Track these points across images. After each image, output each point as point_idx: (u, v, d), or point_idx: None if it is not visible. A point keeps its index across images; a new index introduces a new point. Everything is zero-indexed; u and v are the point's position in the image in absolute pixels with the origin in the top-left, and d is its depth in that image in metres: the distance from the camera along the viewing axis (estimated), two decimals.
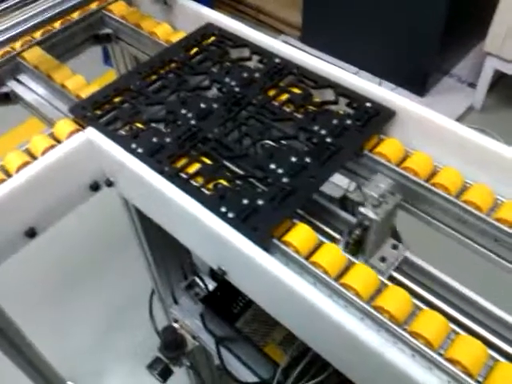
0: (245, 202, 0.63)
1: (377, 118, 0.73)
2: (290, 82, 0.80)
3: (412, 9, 2.24)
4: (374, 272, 0.60)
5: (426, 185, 0.67)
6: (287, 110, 0.76)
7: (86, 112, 0.76)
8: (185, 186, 0.65)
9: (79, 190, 0.76)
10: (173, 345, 1.06)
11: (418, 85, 2.37)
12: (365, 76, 2.40)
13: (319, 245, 0.62)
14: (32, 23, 0.86)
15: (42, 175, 0.70)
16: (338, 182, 0.74)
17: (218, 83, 0.81)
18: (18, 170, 0.72)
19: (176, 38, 0.90)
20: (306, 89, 0.78)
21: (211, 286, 1.10)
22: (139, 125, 0.75)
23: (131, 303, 1.85)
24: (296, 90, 0.79)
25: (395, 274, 0.64)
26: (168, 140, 0.71)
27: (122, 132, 0.75)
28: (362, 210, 0.61)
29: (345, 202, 0.73)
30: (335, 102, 0.76)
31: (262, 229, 0.60)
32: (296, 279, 0.55)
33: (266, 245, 0.59)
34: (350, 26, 2.50)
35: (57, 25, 0.97)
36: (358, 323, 0.52)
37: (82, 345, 1.78)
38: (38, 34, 0.95)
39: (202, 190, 0.65)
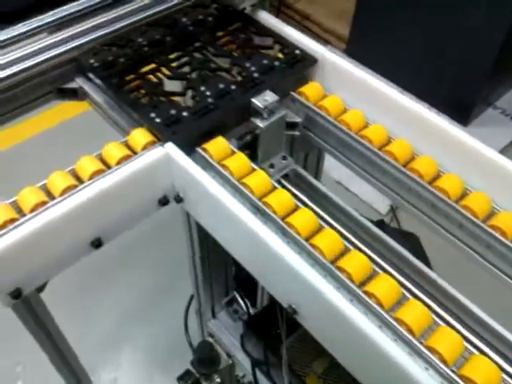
0: (172, 112, 0.76)
1: (301, 63, 0.86)
2: (237, 27, 0.93)
3: (464, 39, 2.20)
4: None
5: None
6: (228, 49, 0.89)
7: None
8: (126, 96, 0.79)
9: (149, 203, 0.74)
10: (207, 360, 1.05)
11: (462, 114, 2.33)
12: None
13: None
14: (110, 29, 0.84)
15: (116, 187, 0.69)
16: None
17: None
18: (91, 177, 0.70)
19: None
20: (248, 35, 0.92)
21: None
22: None
23: (151, 301, 1.84)
24: (241, 35, 0.92)
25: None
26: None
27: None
28: (252, 119, 0.77)
29: None
30: (270, 48, 0.90)
31: (181, 134, 0.73)
32: (378, 333, 0.54)
33: (186, 148, 0.71)
34: (397, 46, 2.47)
35: None
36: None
37: (101, 338, 1.78)
38: None
39: (140, 100, 0.78)
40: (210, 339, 1.09)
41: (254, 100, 0.77)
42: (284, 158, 0.82)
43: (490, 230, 0.65)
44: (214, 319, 1.10)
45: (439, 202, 0.70)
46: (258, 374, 1.00)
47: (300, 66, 0.86)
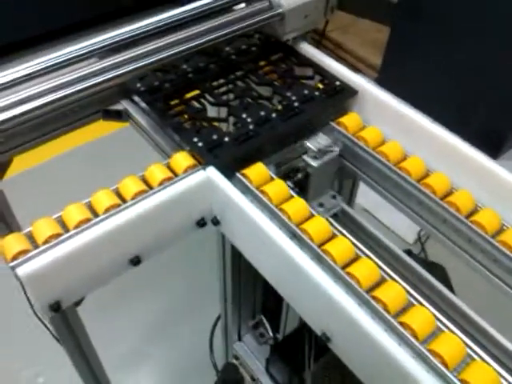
0: (214, 137, 0.78)
1: (341, 94, 0.88)
2: (278, 57, 0.96)
3: (499, 71, 2.20)
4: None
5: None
6: (269, 78, 0.92)
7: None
8: (170, 120, 0.82)
9: (187, 224, 0.76)
10: (232, 382, 1.05)
11: (493, 147, 2.31)
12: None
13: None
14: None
15: (157, 207, 0.71)
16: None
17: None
18: (134, 197, 0.73)
19: None
20: (289, 65, 0.95)
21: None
22: None
23: (176, 319, 1.85)
24: (282, 65, 0.95)
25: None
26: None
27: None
28: (304, 157, 0.80)
29: None
30: (311, 78, 0.92)
31: (222, 158, 0.76)
32: (411, 362, 0.54)
33: (226, 172, 0.74)
34: (429, 77, 2.48)
35: None
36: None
37: (123, 356, 1.79)
38: None
39: (184, 125, 0.81)
40: (235, 361, 1.09)
41: (308, 144, 0.80)
42: (333, 197, 0.83)
43: None
44: (240, 341, 1.10)
45: (475, 236, 0.70)
46: None
47: (340, 97, 0.88)
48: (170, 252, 1.61)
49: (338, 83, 0.89)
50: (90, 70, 0.82)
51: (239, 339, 1.10)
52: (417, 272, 0.71)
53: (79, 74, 0.82)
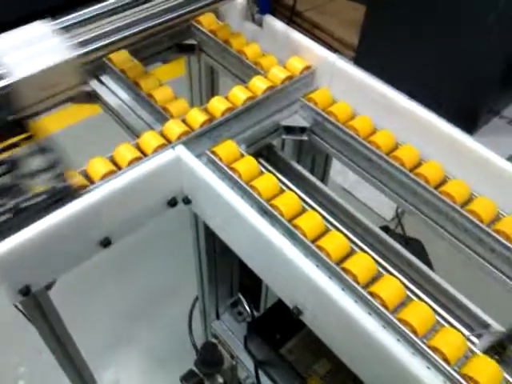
0: None
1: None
2: None
3: (472, 49, 2.22)
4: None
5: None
6: None
7: None
8: None
9: (158, 204, 0.76)
10: (211, 361, 1.05)
11: (469, 122, 2.34)
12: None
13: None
14: (124, 34, 0.86)
15: (127, 188, 0.70)
16: None
17: None
18: (103, 178, 0.72)
19: (265, 61, 0.90)
20: None
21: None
22: None
23: (154, 302, 1.85)
24: None
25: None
26: None
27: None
28: None
29: None
30: None
31: None
32: (383, 333, 0.55)
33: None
34: (405, 54, 2.48)
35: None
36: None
37: (101, 340, 1.78)
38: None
39: None
40: (214, 340, 1.10)
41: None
42: None
43: (494, 234, 0.66)
44: (218, 320, 1.11)
45: (445, 207, 0.71)
46: (261, 375, 1.01)
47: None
48: (147, 233, 1.60)
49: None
50: None
51: (217, 318, 1.10)
52: (388, 245, 0.72)
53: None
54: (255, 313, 1.09)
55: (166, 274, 1.91)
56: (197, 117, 0.80)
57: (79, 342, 0.94)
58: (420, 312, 0.61)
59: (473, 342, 0.61)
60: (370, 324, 0.55)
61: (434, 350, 0.56)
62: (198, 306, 1.16)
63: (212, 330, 1.12)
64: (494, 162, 0.72)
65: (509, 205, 0.71)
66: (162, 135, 0.77)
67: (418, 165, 0.76)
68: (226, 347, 1.08)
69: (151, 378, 1.71)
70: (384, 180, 0.79)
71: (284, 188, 0.74)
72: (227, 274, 1.03)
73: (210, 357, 1.03)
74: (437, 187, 0.73)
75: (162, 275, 1.92)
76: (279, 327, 0.98)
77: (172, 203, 0.76)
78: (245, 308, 1.09)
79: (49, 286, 0.73)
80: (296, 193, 0.75)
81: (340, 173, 2.11)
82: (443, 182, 0.75)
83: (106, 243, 0.72)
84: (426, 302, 0.64)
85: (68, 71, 0.77)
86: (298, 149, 0.99)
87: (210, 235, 0.88)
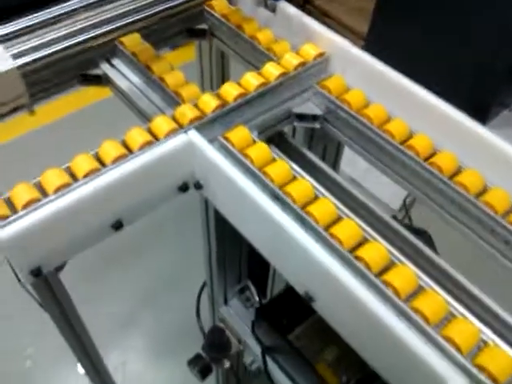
0: None
1: None
2: None
3: (483, 40, 2.19)
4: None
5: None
6: None
7: None
8: None
9: (169, 189, 0.76)
10: (218, 345, 1.06)
11: (478, 115, 2.32)
12: None
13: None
14: (135, 17, 0.86)
15: (138, 171, 0.70)
16: None
17: None
18: (114, 161, 0.72)
19: (278, 47, 0.89)
20: None
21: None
22: None
23: (163, 286, 1.86)
24: None
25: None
26: None
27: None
28: None
29: None
30: None
31: None
32: (394, 320, 0.55)
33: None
34: (416, 45, 2.46)
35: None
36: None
37: (111, 321, 1.80)
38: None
39: None
40: (222, 325, 1.11)
41: None
42: None
43: (509, 225, 0.66)
44: (226, 306, 1.11)
45: (458, 197, 0.70)
46: (269, 361, 1.01)
47: None
48: (159, 218, 1.61)
49: None
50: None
51: (225, 303, 1.11)
52: (399, 233, 0.72)
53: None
54: (263, 300, 1.09)
55: (175, 259, 1.92)
56: (209, 102, 0.79)
57: (87, 323, 0.95)
58: (433, 301, 0.60)
59: (484, 333, 0.61)
60: (382, 311, 0.55)
61: (447, 339, 0.56)
62: (206, 292, 1.16)
63: (219, 316, 1.12)
64: (509, 153, 0.71)
65: None
66: (174, 120, 0.77)
67: (432, 154, 0.76)
68: (233, 332, 1.09)
69: (158, 361, 1.73)
70: (397, 169, 0.79)
71: (296, 175, 0.74)
72: (236, 259, 1.03)
73: (217, 341, 1.04)
74: (451, 177, 0.72)
75: (170, 260, 1.94)
76: (287, 313, 0.98)
77: (183, 188, 0.76)
78: (253, 294, 1.09)
79: (59, 268, 0.73)
80: (308, 180, 0.75)
81: (348, 163, 2.11)
82: (457, 172, 0.74)
83: (117, 226, 0.72)
84: (438, 293, 0.63)
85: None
86: (309, 136, 0.98)
87: (221, 220, 0.87)
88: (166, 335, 1.76)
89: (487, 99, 2.34)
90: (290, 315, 0.98)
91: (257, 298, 1.07)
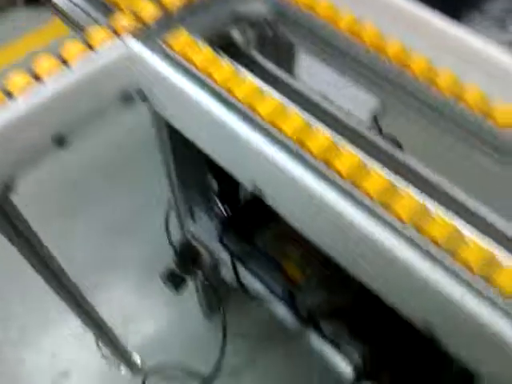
0: None
1: None
2: None
3: None
4: None
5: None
6: None
7: None
8: None
9: (110, 99, 0.74)
10: (189, 260, 1.09)
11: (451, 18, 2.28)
12: None
13: None
14: None
15: (76, 83, 0.68)
16: None
17: None
18: (51, 74, 0.69)
19: None
20: None
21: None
22: None
23: (140, 214, 1.87)
24: None
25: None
26: None
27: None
28: None
29: None
30: None
31: None
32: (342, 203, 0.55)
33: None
34: None
35: None
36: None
37: (87, 256, 1.81)
38: None
39: None
40: (192, 240, 1.13)
41: None
42: None
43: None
44: (195, 223, 1.13)
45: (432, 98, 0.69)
46: (242, 269, 1.04)
47: None
48: (126, 153, 1.56)
49: None
50: None
51: (194, 221, 1.12)
52: (370, 140, 0.69)
53: None
54: (229, 212, 1.11)
55: (146, 188, 1.90)
56: (148, 8, 0.76)
57: (66, 262, 0.95)
58: (404, 200, 0.57)
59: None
60: (329, 195, 0.55)
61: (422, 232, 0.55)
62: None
63: (189, 233, 1.14)
64: (482, 50, 0.69)
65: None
66: (111, 28, 0.74)
67: (404, 58, 0.72)
68: (204, 246, 1.11)
69: (143, 292, 1.76)
70: (368, 75, 0.76)
71: (241, 76, 0.72)
72: (198, 173, 1.03)
73: (186, 252, 1.06)
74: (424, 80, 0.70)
75: (141, 190, 1.92)
76: (252, 221, 1.00)
77: (126, 98, 0.74)
78: (219, 207, 1.10)
79: (8, 188, 0.72)
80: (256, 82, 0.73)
81: (312, 74, 2.08)
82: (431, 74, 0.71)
83: (60, 141, 0.71)
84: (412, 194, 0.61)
85: None
86: (259, 42, 0.95)
87: (173, 132, 0.86)
88: (145, 263, 1.77)
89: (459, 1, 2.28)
90: (255, 222, 1.00)
91: (223, 211, 1.09)
